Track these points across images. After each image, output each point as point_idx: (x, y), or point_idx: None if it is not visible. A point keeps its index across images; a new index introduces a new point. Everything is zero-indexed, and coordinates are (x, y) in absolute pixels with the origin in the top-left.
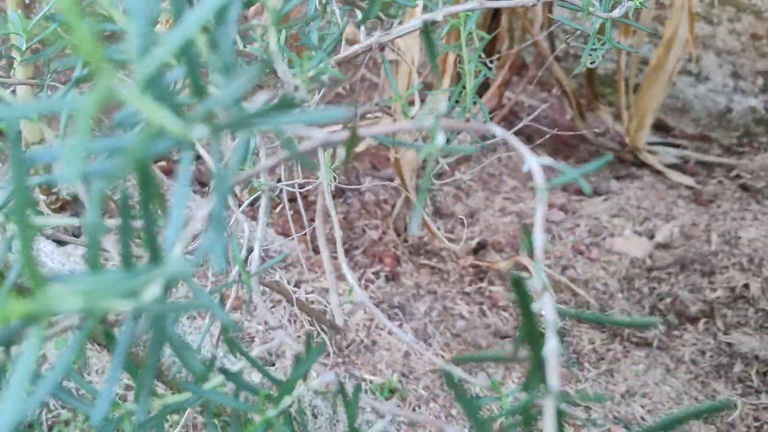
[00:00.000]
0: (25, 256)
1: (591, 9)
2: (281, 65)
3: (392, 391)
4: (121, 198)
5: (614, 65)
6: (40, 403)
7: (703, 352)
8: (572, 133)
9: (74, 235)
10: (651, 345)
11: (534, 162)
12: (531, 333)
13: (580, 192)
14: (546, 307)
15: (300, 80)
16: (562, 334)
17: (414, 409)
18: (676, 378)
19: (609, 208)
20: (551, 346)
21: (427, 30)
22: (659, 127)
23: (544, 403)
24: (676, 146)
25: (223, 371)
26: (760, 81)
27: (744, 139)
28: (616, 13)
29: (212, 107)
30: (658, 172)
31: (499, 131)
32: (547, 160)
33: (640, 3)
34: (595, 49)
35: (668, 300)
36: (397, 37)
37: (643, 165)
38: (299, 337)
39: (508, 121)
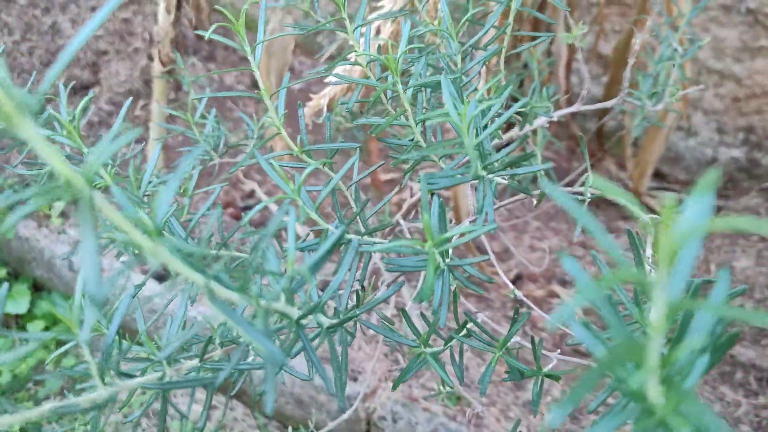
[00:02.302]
0: None
1: (648, 105)
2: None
3: (458, 399)
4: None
5: (615, 122)
6: None
7: None
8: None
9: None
10: None
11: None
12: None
13: None
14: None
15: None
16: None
17: (477, 414)
18: None
19: (621, 245)
20: None
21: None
22: (656, 174)
23: None
24: (672, 191)
25: (404, 318)
26: (741, 135)
27: (729, 185)
28: (660, 107)
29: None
30: (657, 213)
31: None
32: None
33: (675, 99)
34: (643, 124)
35: None
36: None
37: (644, 207)
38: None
39: None
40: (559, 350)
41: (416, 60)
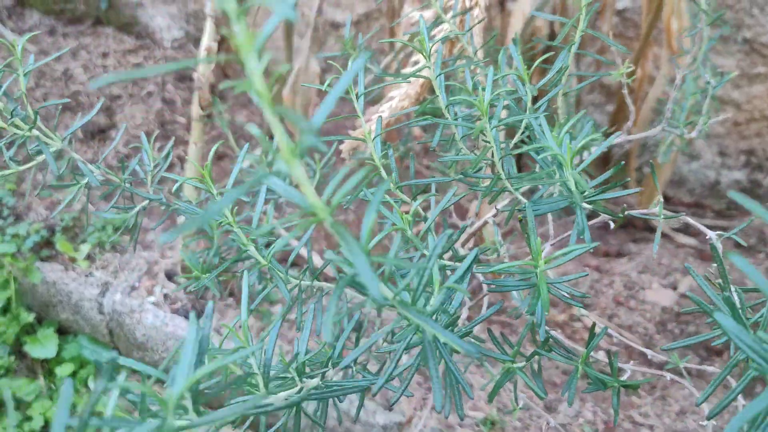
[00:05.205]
0: None
1: (685, 132)
2: None
3: (493, 423)
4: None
5: (618, 149)
6: None
7: (729, 376)
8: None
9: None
10: (691, 374)
11: (713, 235)
12: None
13: (606, 254)
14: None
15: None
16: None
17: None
18: (716, 396)
19: (635, 267)
20: None
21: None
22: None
23: None
24: (678, 213)
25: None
26: (742, 158)
27: (732, 205)
28: (694, 134)
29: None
30: (666, 235)
31: (713, 236)
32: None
33: (707, 127)
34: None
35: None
36: None
37: (652, 230)
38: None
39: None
40: (631, 362)
41: (497, 101)
